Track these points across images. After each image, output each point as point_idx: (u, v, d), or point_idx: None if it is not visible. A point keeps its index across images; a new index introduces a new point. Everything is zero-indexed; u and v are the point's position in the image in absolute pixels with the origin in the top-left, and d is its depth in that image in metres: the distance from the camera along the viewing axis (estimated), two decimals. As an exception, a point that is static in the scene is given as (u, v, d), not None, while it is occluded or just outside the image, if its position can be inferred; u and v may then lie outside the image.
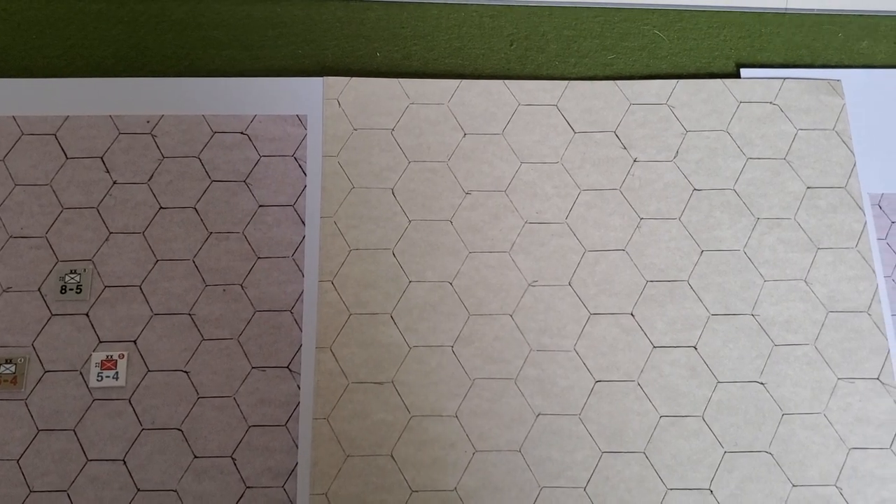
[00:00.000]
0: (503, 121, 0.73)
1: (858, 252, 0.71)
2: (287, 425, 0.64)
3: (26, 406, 0.64)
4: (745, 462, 0.65)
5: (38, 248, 0.68)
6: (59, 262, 0.68)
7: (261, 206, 0.70)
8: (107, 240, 0.68)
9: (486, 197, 0.71)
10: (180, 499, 0.62)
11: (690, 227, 0.71)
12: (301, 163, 0.71)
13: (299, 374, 0.65)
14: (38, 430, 0.63)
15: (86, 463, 0.63)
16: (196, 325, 0.66)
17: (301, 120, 0.72)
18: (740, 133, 0.74)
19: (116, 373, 0.65)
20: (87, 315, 0.66)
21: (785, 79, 0.76)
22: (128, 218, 0.69)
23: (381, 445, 0.64)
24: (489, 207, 0.71)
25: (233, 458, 0.63)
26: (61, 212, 0.69)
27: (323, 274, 0.68)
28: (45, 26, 0.75)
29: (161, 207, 0.69)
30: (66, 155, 0.71)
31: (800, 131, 0.74)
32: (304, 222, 0.69)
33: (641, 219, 0.71)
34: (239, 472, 0.63)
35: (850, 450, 0.65)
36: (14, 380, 0.64)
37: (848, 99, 0.75)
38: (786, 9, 0.79)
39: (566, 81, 0.75)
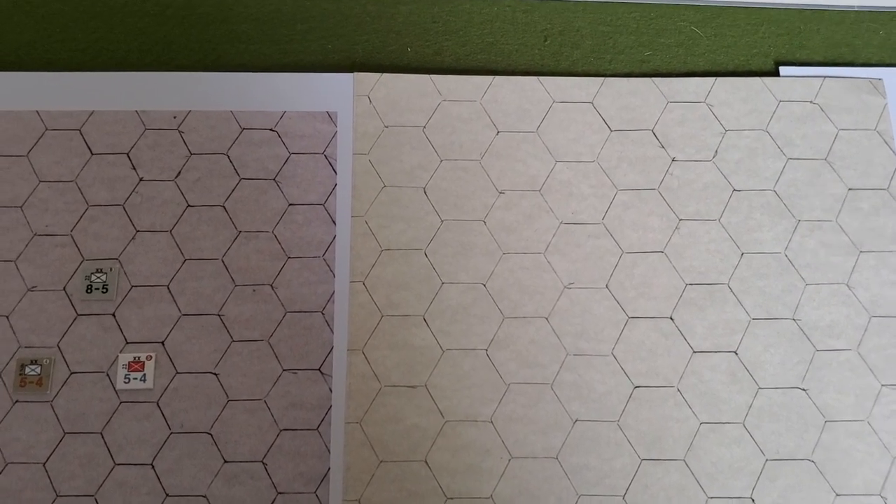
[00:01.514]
0: (537, 118, 0.72)
1: (902, 255, 0.69)
2: (319, 429, 0.63)
3: (52, 408, 0.63)
4: (788, 470, 0.63)
5: (64, 247, 0.66)
6: (85, 261, 0.66)
7: (290, 204, 0.68)
8: (133, 238, 0.67)
9: (521, 196, 0.69)
10: (210, 504, 0.61)
11: (730, 228, 0.69)
12: (331, 160, 0.69)
13: (331, 377, 0.64)
14: (65, 433, 0.62)
15: (113, 467, 0.61)
16: (225, 326, 0.65)
17: (331, 117, 0.70)
18: (780, 133, 0.72)
19: (144, 375, 0.63)
20: (113, 315, 0.65)
21: (825, 77, 0.74)
22: (155, 216, 0.67)
23: (414, 451, 0.63)
24: (523, 207, 0.69)
25: (264, 463, 0.62)
26: (87, 209, 0.67)
27: (354, 274, 0.67)
28: (70, 19, 0.73)
29: (189, 205, 0.68)
30: (91, 151, 0.69)
31: (841, 131, 0.72)
32: (334, 222, 0.68)
33: (680, 220, 0.69)
34: (270, 477, 0.61)
35: (894, 458, 0.64)
36: (40, 381, 0.63)
37: (890, 98, 0.73)
38: (825, 5, 0.77)
39: (602, 78, 0.73)
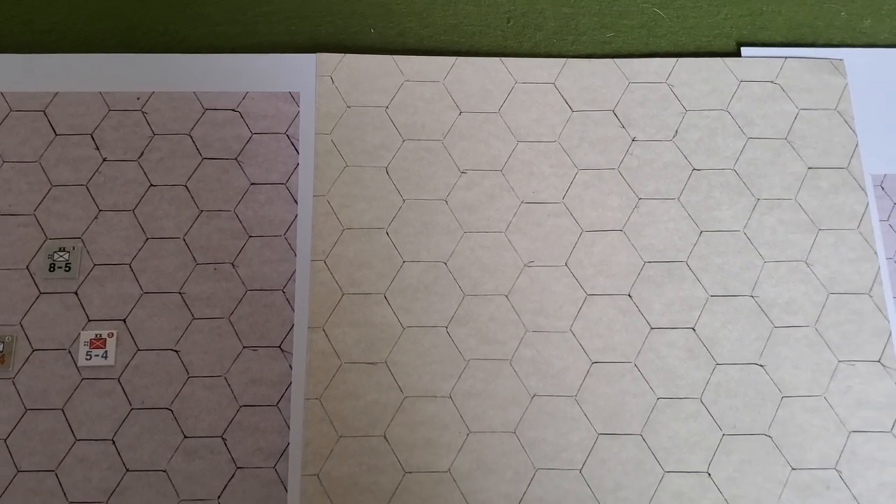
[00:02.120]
0: (499, 99, 0.72)
1: (860, 233, 0.69)
2: (279, 405, 0.63)
3: (14, 385, 0.63)
4: (744, 445, 0.64)
5: (27, 226, 0.67)
6: (48, 240, 0.67)
7: (252, 184, 0.68)
8: (96, 217, 0.67)
9: (482, 176, 0.70)
10: (170, 479, 0.61)
11: (689, 207, 0.70)
12: (294, 140, 0.70)
13: (291, 354, 0.64)
14: (26, 410, 0.63)
15: (74, 443, 0.62)
16: (186, 304, 0.65)
17: (294, 97, 0.71)
18: (741, 112, 0.72)
19: (105, 352, 0.64)
20: (76, 293, 0.65)
21: (787, 58, 0.74)
22: (118, 196, 0.68)
23: (373, 426, 0.63)
24: (485, 187, 0.70)
25: (223, 439, 0.62)
26: (50, 189, 0.68)
27: (315, 253, 0.67)
28: (34, 1, 0.74)
29: (151, 185, 0.68)
30: (55, 132, 0.69)
31: (801, 111, 0.73)
32: (296, 201, 0.68)
33: (640, 199, 0.70)
34: (230, 452, 0.62)
35: (850, 433, 0.64)
36: (2, 358, 0.63)
37: (850, 78, 0.74)
38: (788, -13, 0.78)
39: (564, 59, 0.73)
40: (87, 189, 0.68)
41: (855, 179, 0.71)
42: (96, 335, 0.64)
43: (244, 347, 0.64)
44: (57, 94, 0.70)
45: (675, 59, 0.74)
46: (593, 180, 0.70)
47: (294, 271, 0.66)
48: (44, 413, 0.63)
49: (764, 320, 0.67)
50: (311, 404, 0.63)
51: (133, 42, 0.73)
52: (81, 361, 0.64)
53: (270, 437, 0.62)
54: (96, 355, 0.64)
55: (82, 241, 0.67)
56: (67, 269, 0.66)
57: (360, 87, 0.72)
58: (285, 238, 0.67)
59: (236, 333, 0.65)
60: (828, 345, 0.66)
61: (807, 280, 0.68)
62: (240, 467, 0.62)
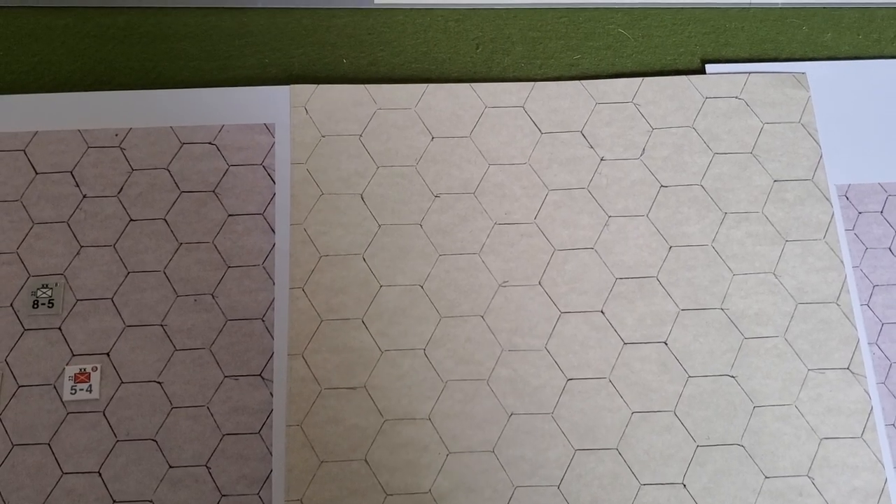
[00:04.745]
0: (470, 123, 0.74)
1: (826, 243, 0.71)
2: (261, 433, 0.64)
3: (1, 422, 0.64)
4: (718, 455, 0.65)
5: (10, 264, 0.68)
6: (31, 277, 0.68)
7: (230, 215, 0.70)
8: (78, 253, 0.69)
9: (455, 199, 0.72)
10: (156, 509, 0.63)
11: (658, 223, 0.71)
12: (270, 171, 0.71)
13: (272, 382, 0.66)
14: (13, 445, 0.64)
15: (61, 476, 0.63)
16: (168, 336, 0.67)
17: (269, 128, 0.73)
18: (706, 128, 0.74)
19: (90, 385, 0.65)
20: (59, 329, 0.67)
21: (750, 73, 0.76)
22: (98, 231, 0.69)
23: (354, 450, 0.64)
24: (458, 210, 0.71)
25: (207, 467, 0.63)
26: (32, 227, 0.69)
27: (293, 281, 0.68)
28: (12, 42, 0.75)
29: (131, 220, 0.70)
30: (35, 170, 0.71)
31: (766, 125, 0.74)
32: (273, 230, 0.70)
33: (609, 217, 0.71)
34: (214, 480, 0.63)
35: (821, 440, 0.66)
36: (-12, 396, 0.65)
37: (813, 91, 0.76)
38: (750, 3, 0.79)
39: (532, 83, 0.75)
40: (69, 226, 0.69)
41: (820, 190, 0.73)
42: (80, 369, 0.66)
43: (225, 377, 0.66)
44: (37, 133, 0.72)
45: (640, 79, 0.75)
46: (564, 200, 0.72)
47: (273, 300, 0.68)
48: (30, 448, 0.64)
49: (734, 332, 0.68)
50: (292, 431, 0.65)
51: (110, 80, 0.74)
52: (66, 396, 0.65)
53: (253, 465, 0.64)
54: (81, 389, 0.65)
55: (65, 277, 0.68)
56: (50, 305, 0.67)
57: (333, 116, 0.73)
58: (263, 267, 0.69)
59: (217, 363, 0.66)
60: (797, 354, 0.68)
61: (775, 291, 0.70)
62: (224, 495, 0.63)
